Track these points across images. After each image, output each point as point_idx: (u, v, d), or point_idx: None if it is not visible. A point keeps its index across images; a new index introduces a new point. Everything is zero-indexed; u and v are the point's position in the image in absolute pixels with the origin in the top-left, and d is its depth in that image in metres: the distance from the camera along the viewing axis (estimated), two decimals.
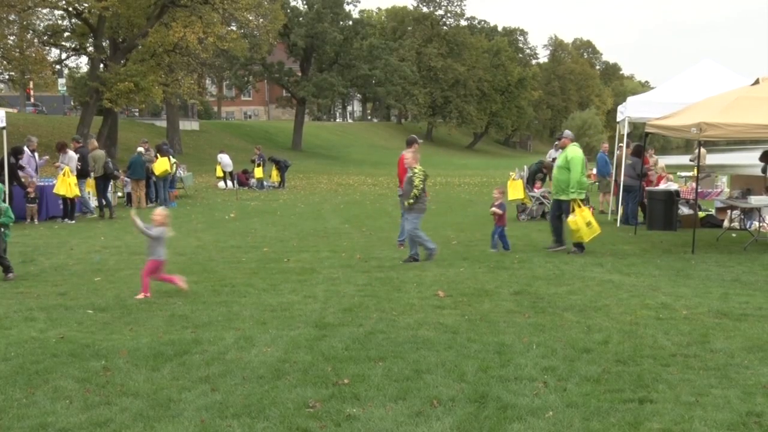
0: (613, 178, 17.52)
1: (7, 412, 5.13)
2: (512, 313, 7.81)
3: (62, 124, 42.67)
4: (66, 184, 16.71)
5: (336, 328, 7.22)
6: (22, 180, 16.76)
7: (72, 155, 17.75)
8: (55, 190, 16.86)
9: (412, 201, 10.98)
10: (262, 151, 29.37)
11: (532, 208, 17.67)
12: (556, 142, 12.35)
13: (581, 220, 11.63)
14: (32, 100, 59.33)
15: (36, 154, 17.90)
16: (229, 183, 29.22)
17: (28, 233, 14.78)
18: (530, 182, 18.15)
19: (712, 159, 18.08)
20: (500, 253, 12.03)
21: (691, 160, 23.77)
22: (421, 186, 10.93)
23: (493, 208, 12.31)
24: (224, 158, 29.37)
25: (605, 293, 8.84)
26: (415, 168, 11.04)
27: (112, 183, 20.67)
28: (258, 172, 28.43)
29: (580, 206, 11.82)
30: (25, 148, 17.72)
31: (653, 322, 7.40)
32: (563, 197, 11.97)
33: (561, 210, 12.11)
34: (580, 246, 11.90)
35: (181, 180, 24.67)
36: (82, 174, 17.81)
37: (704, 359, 6.20)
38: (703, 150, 23.46)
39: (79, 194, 17.39)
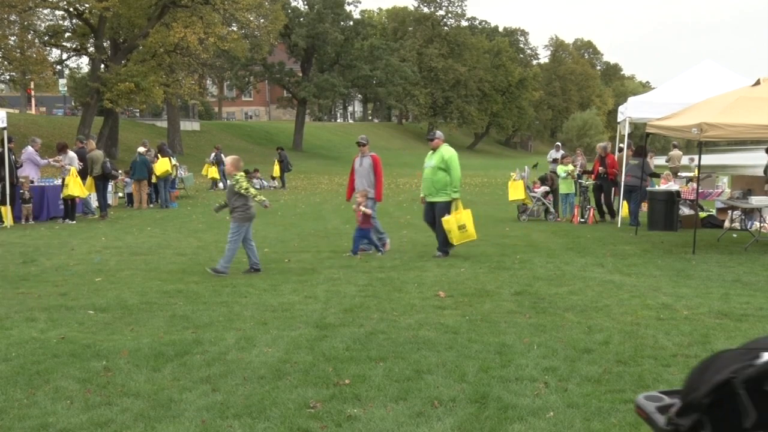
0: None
1: (8, 412, 5.13)
2: (513, 314, 7.81)
3: (63, 125, 42.69)
4: (78, 185, 16.79)
5: (337, 329, 7.22)
6: (21, 180, 16.80)
7: (72, 155, 17.81)
8: (67, 192, 16.84)
9: (260, 198, 10.28)
10: (221, 150, 29.72)
11: (533, 208, 17.67)
12: (430, 142, 11.84)
13: (454, 222, 11.27)
14: (33, 101, 59.32)
15: (38, 156, 17.99)
16: (222, 184, 29.30)
17: (29, 234, 14.79)
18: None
19: (713, 159, 18.08)
20: (378, 255, 11.76)
21: (667, 161, 23.90)
22: (254, 192, 10.25)
23: (362, 208, 11.79)
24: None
25: (606, 293, 8.83)
26: (236, 175, 10.32)
27: (112, 183, 20.72)
28: (212, 171, 28.41)
29: (458, 208, 11.44)
30: (30, 147, 17.81)
31: (654, 323, 7.40)
32: (441, 198, 11.50)
33: (437, 212, 11.57)
34: (444, 250, 11.55)
35: (182, 180, 24.71)
36: (82, 174, 17.86)
37: None
38: (678, 152, 23.63)
39: (87, 194, 17.57)
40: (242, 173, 10.44)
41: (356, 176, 12.47)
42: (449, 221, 11.27)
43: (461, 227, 11.30)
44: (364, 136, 12.89)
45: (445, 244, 11.56)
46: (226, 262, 10.20)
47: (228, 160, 10.81)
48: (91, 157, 18.00)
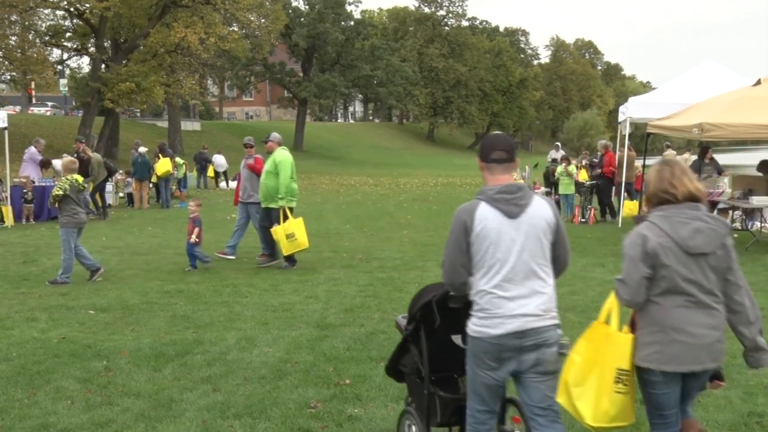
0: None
1: (9, 412, 5.14)
2: None
3: (63, 125, 42.68)
4: None
5: (337, 329, 7.22)
6: (22, 180, 16.81)
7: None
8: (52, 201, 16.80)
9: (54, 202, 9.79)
10: (207, 149, 29.98)
11: None
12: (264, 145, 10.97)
13: (282, 231, 10.43)
14: (34, 101, 59.38)
15: (41, 156, 17.98)
16: (223, 183, 29.41)
17: (29, 234, 14.79)
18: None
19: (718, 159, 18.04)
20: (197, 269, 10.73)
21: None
22: (60, 194, 9.64)
23: (195, 235, 10.66)
24: (217, 159, 29.56)
25: (607, 294, 8.71)
26: (65, 177, 9.82)
27: (113, 184, 20.75)
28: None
29: (289, 216, 10.57)
30: (32, 148, 17.79)
31: None
32: (273, 205, 10.68)
33: (270, 220, 10.74)
34: (290, 260, 10.75)
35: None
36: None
37: None
38: (672, 151, 23.68)
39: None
40: (75, 177, 9.79)
41: (241, 179, 11.81)
42: (276, 231, 10.52)
43: (289, 236, 10.45)
44: (251, 137, 12.26)
45: (271, 254, 10.96)
46: (64, 272, 9.77)
47: (61, 162, 10.23)
48: (93, 164, 17.85)
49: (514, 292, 3.60)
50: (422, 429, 4.13)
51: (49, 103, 57.14)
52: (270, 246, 11.04)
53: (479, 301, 3.64)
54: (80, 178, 9.93)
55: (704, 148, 16.17)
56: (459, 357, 3.96)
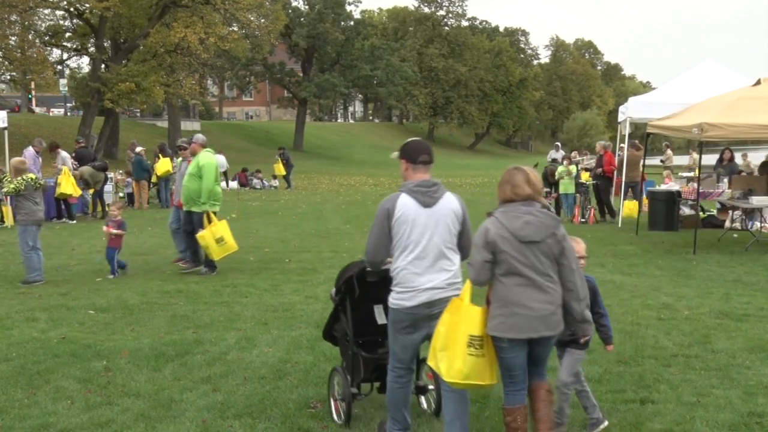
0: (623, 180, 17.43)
1: (9, 412, 5.14)
2: None
3: (63, 125, 42.70)
4: (71, 184, 16.73)
5: None
6: None
7: (65, 155, 17.71)
8: (60, 191, 16.70)
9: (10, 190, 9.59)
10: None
11: None
12: (182, 149, 10.79)
13: (210, 236, 10.06)
14: (34, 101, 59.35)
15: (40, 158, 17.92)
16: (223, 183, 29.33)
17: None
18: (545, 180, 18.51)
19: (713, 159, 18.07)
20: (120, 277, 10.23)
21: (662, 161, 23.99)
22: (12, 193, 9.52)
23: (111, 230, 10.22)
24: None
25: (607, 293, 8.81)
26: (19, 178, 9.61)
27: (113, 184, 20.74)
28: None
29: (212, 220, 10.21)
30: (31, 148, 17.78)
31: (655, 323, 7.40)
32: (195, 209, 10.29)
33: (194, 224, 10.39)
34: (210, 265, 10.40)
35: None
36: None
37: (706, 360, 6.20)
38: (670, 152, 23.86)
39: (80, 192, 17.48)
40: (29, 176, 9.59)
41: (177, 182, 11.51)
42: (204, 237, 10.10)
43: (219, 240, 10.12)
44: (185, 139, 12.00)
45: (195, 259, 10.62)
46: (31, 271, 9.67)
47: (11, 162, 10.16)
48: (86, 179, 17.78)
49: (424, 268, 4.33)
50: (347, 384, 4.81)
51: (68, 105, 57.13)
52: (192, 252, 10.64)
53: (397, 276, 4.38)
54: (34, 176, 9.78)
55: (723, 151, 16.43)
56: (381, 324, 4.78)
